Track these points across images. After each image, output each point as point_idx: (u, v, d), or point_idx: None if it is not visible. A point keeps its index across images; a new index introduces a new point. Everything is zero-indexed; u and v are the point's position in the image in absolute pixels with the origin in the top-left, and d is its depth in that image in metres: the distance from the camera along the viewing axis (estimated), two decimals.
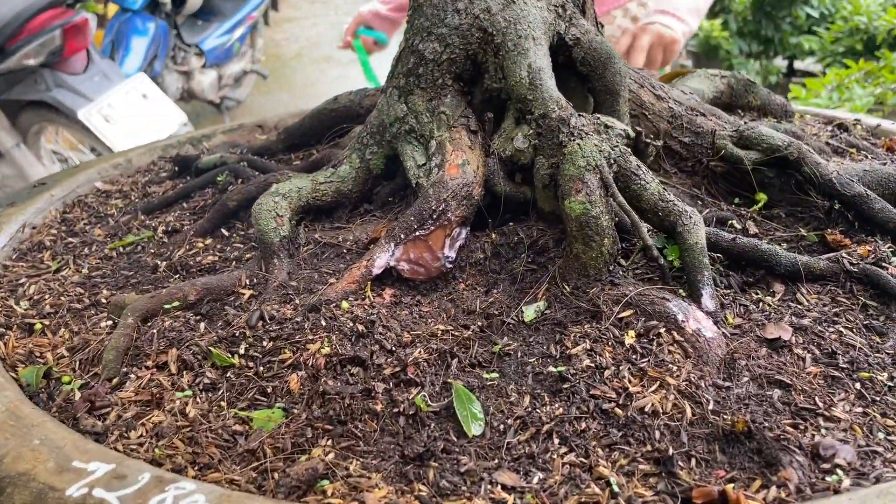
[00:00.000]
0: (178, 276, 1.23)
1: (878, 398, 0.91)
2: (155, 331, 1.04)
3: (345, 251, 1.20)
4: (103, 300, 1.20)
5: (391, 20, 2.64)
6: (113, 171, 1.78)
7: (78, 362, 1.05)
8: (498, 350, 0.99)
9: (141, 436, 0.88)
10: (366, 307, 1.05)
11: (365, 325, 1.01)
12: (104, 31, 5.15)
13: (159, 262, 1.28)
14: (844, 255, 1.12)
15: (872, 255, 1.12)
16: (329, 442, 0.85)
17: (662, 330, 0.97)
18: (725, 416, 0.86)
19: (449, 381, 0.93)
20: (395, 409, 0.88)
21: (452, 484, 0.79)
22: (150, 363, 1.00)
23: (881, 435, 0.85)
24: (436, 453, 0.83)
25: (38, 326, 1.14)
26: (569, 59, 1.26)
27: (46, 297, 1.22)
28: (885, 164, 1.47)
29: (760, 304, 1.06)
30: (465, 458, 0.82)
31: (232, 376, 0.97)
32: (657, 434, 0.84)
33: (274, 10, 6.99)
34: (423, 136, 1.21)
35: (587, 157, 1.05)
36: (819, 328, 1.01)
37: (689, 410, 0.87)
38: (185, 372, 0.98)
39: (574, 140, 1.08)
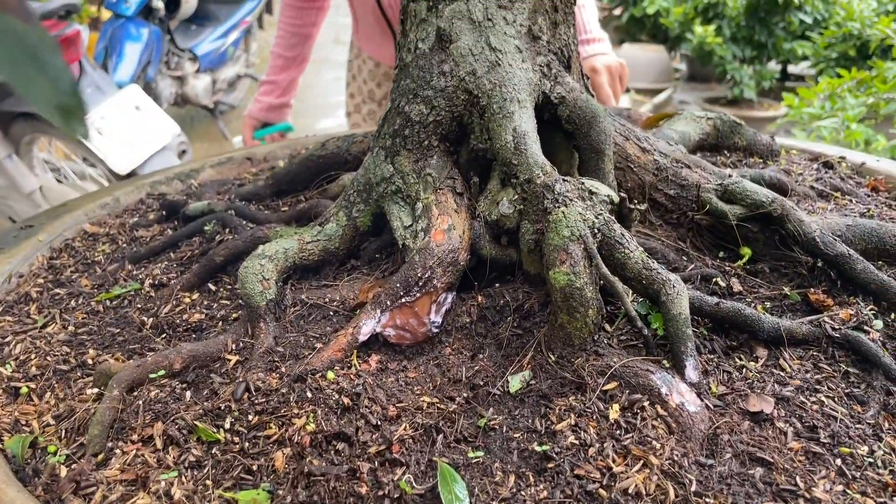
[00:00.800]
0: (164, 335, 1.23)
1: (857, 474, 0.92)
2: (141, 402, 1.04)
3: (331, 312, 1.20)
4: (89, 360, 1.19)
5: (283, 104, 2.54)
6: (100, 210, 1.77)
7: (64, 431, 1.05)
8: (483, 424, 0.99)
9: None
10: (351, 377, 1.05)
11: (350, 397, 1.01)
12: (98, 35, 5.13)
13: (146, 319, 1.28)
14: (826, 318, 1.13)
15: (854, 319, 1.13)
16: None
17: (646, 403, 0.98)
18: (707, 499, 0.86)
19: (434, 458, 0.94)
20: (381, 492, 0.89)
21: None
22: (135, 437, 1.00)
23: None
24: None
25: (24, 390, 1.14)
26: (554, 117, 1.26)
27: (32, 356, 1.22)
28: (868, 209, 1.49)
29: (744, 370, 1.07)
30: None
31: (217, 452, 0.97)
32: None
33: (268, 13, 6.98)
34: (410, 196, 1.21)
35: (571, 226, 1.05)
36: (801, 398, 1.02)
37: (671, 492, 0.88)
38: (170, 447, 0.98)
39: (559, 207, 1.08)
